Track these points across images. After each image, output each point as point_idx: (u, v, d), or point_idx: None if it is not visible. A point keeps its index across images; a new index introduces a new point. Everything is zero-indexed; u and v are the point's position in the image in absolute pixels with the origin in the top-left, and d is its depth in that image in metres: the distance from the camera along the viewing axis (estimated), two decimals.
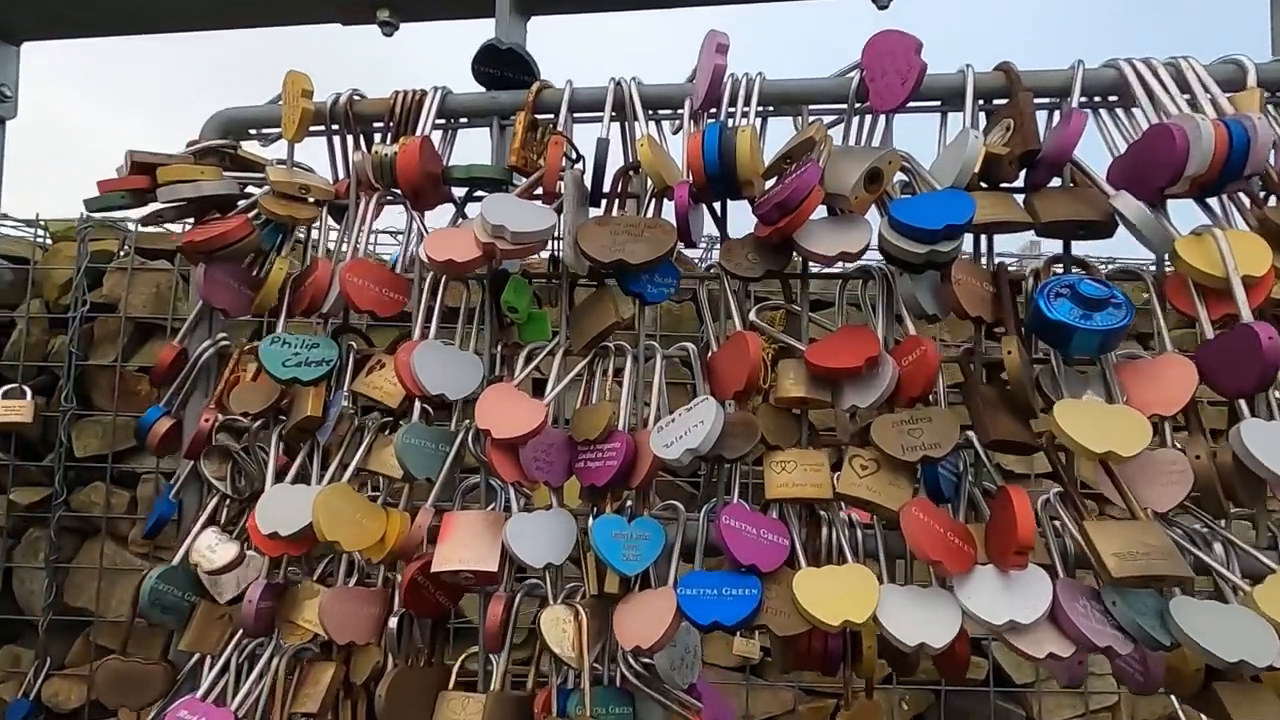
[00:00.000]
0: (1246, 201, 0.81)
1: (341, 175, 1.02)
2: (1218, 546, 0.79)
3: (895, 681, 1.85)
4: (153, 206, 0.97)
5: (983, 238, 0.88)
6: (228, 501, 0.97)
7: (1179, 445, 0.79)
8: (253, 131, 1.03)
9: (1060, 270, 0.86)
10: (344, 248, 0.96)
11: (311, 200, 0.97)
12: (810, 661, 0.84)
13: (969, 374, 0.86)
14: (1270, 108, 0.84)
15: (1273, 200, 0.82)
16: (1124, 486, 0.78)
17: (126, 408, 1.82)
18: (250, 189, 0.98)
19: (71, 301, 1.85)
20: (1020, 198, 0.86)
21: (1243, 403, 0.78)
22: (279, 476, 0.92)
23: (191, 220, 0.97)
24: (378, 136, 0.99)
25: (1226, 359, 0.74)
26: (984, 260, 0.88)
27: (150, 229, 1.78)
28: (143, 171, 0.95)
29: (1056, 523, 0.81)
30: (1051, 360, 0.83)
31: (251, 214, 0.94)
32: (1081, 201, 0.81)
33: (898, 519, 0.78)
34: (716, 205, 0.91)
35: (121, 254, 1.97)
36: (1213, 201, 0.82)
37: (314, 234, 1.04)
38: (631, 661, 0.86)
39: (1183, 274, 0.80)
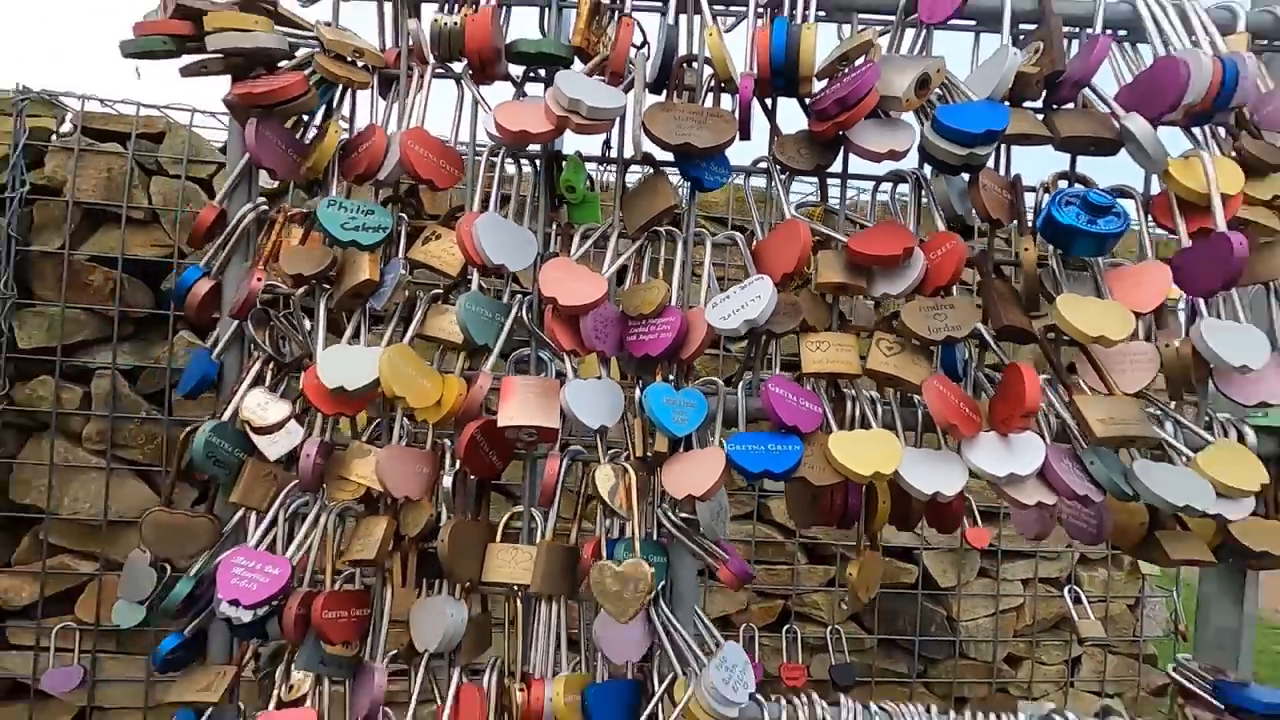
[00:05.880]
0: (1222, 133, 0.95)
1: (389, 44, 1.01)
2: (1169, 425, 0.95)
3: (836, 585, 2.05)
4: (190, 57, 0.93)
5: (1003, 154, 0.98)
6: (271, 365, 0.98)
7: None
8: None
9: (1065, 184, 0.98)
10: (394, 118, 0.96)
11: (362, 66, 0.96)
12: (830, 516, 0.96)
13: (984, 271, 0.97)
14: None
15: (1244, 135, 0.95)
16: (1104, 369, 0.92)
17: (76, 300, 1.72)
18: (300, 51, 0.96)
19: (10, 180, 1.70)
20: (1039, 118, 0.96)
21: (1202, 303, 0.92)
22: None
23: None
24: (426, 8, 0.98)
25: (1201, 263, 0.88)
26: (1002, 172, 0.98)
27: (122, 103, 1.67)
28: (185, 17, 0.91)
29: (1042, 404, 0.95)
30: (1051, 262, 0.96)
31: (306, 73, 0.92)
32: (1095, 121, 0.93)
33: (918, 392, 0.89)
34: (768, 102, 0.96)
35: (59, 133, 1.81)
36: (1195, 131, 0.94)
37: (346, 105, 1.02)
38: (672, 514, 0.94)
39: (1168, 193, 0.93)
